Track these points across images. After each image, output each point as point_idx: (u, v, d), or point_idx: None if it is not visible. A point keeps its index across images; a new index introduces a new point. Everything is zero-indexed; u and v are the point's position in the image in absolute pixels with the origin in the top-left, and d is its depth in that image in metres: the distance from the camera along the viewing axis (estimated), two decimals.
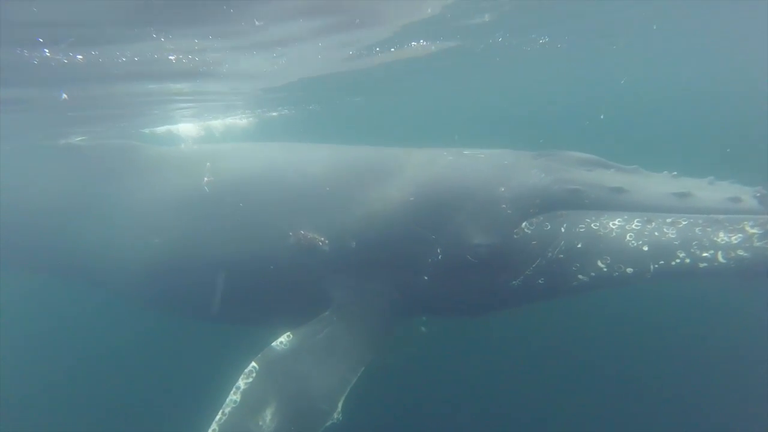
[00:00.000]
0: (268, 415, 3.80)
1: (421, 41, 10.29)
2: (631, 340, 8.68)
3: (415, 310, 5.07)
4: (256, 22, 5.95)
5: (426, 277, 4.68)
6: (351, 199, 4.97)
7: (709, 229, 4.11)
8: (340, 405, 3.96)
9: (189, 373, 7.57)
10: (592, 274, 4.32)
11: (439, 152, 5.43)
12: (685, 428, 7.32)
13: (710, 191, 4.42)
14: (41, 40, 5.08)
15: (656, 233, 4.19)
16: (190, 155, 6.31)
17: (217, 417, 3.71)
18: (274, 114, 19.17)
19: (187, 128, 17.17)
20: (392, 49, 10.26)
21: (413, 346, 5.48)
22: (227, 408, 3.77)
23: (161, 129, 16.26)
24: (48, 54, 5.47)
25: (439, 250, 4.61)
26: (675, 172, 4.71)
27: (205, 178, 5.54)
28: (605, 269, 4.27)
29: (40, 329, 9.75)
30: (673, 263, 4.09)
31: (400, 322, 5.02)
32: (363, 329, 4.56)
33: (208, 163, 5.80)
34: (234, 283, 5.20)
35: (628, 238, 4.24)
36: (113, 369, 8.73)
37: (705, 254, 4.01)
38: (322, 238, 4.78)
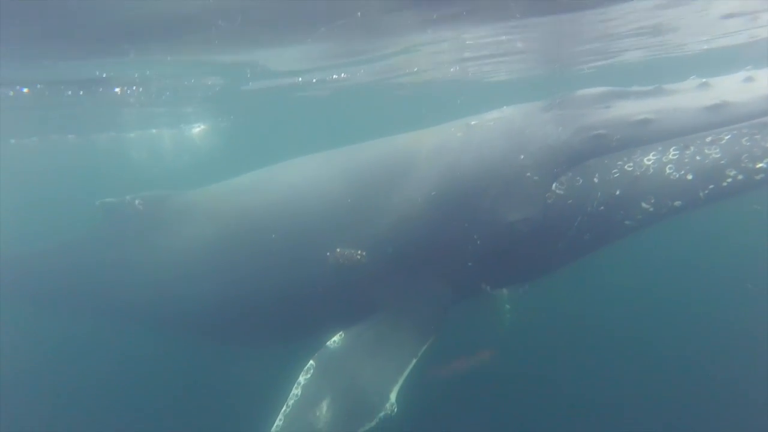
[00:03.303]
0: (324, 407, 4.13)
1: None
2: (631, 340, 8.78)
3: (466, 295, 5.06)
4: None
5: (470, 263, 4.63)
6: (375, 207, 4.92)
7: (758, 137, 3.75)
8: (393, 397, 4.10)
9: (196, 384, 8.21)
10: (639, 217, 4.10)
11: (446, 130, 5.21)
12: (685, 428, 7.28)
13: (748, 92, 3.97)
14: None
15: (698, 157, 3.87)
16: (215, 197, 6.41)
17: (283, 409, 4.14)
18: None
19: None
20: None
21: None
22: (290, 401, 4.18)
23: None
24: None
25: (476, 236, 4.51)
26: (703, 80, 4.26)
27: (234, 222, 5.73)
28: (651, 209, 4.03)
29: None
30: (725, 184, 3.79)
31: (450, 311, 5.01)
32: (411, 324, 4.63)
33: (233, 204, 5.97)
34: (287, 310, 5.39)
35: (667, 170, 3.95)
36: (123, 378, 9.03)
37: (760, 165, 3.68)
38: (360, 252, 4.84)
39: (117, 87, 9.37)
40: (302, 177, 5.81)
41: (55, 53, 6.54)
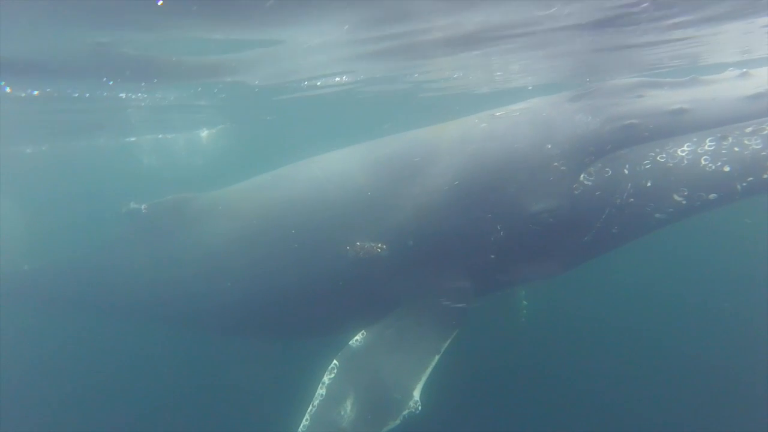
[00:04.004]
0: (348, 406, 4.11)
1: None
2: (630, 341, 8.85)
3: (488, 290, 4.92)
4: None
5: (492, 256, 4.49)
6: (395, 199, 4.81)
7: None
8: (416, 394, 4.03)
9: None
10: (670, 209, 3.95)
11: (469, 121, 5.09)
12: (685, 428, 7.29)
13: None
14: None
15: (736, 148, 3.72)
16: (238, 195, 6.41)
17: (309, 408, 4.15)
18: None
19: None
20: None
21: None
22: (316, 401, 4.19)
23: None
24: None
25: (499, 227, 4.37)
26: (744, 69, 4.10)
27: (254, 219, 5.70)
28: (684, 202, 3.88)
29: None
30: (766, 176, 3.64)
31: (472, 307, 4.91)
32: (433, 320, 4.54)
33: (254, 202, 5.97)
34: (310, 304, 5.31)
35: (703, 162, 3.80)
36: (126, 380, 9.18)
37: None
38: (380, 245, 4.71)
39: (122, 93, 9.45)
40: (323, 172, 5.73)
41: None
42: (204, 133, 20.91)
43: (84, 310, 8.16)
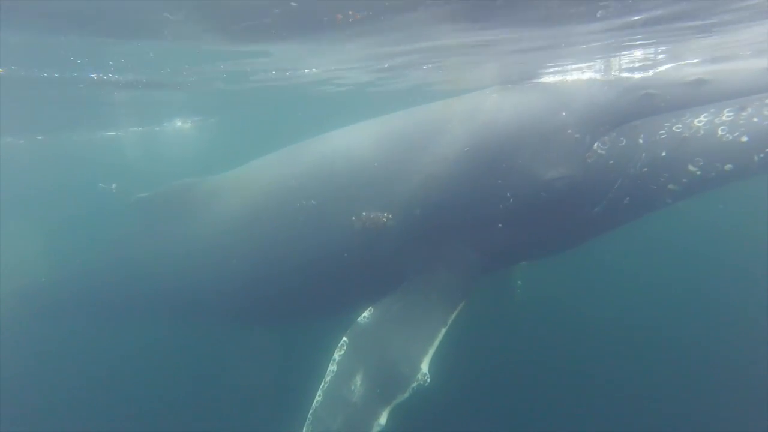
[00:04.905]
0: (358, 381, 4.15)
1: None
2: (630, 341, 8.82)
3: (496, 264, 4.81)
4: None
5: (500, 225, 4.38)
6: (403, 167, 4.72)
7: None
8: (424, 367, 4.01)
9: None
10: (684, 180, 3.90)
11: (482, 93, 5.03)
12: (685, 428, 7.33)
13: None
14: None
15: (755, 119, 3.68)
16: (242, 175, 6.33)
17: (321, 384, 4.21)
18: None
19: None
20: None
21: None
22: (327, 377, 4.24)
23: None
24: None
25: (508, 194, 4.29)
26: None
27: (257, 196, 5.65)
28: (699, 172, 3.83)
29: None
30: None
31: (479, 280, 4.82)
32: (439, 293, 4.49)
33: (258, 179, 5.91)
34: (314, 281, 5.23)
35: (720, 132, 3.76)
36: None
37: None
38: (386, 214, 4.56)
39: (93, 73, 8.97)
40: (329, 146, 5.68)
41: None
42: (187, 125, 20.39)
43: (114, 316, 7.68)
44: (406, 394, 3.93)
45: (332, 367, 4.27)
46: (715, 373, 8.23)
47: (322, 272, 5.11)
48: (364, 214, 4.61)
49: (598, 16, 4.92)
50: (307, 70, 9.54)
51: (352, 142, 5.46)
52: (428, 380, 3.97)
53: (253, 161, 6.43)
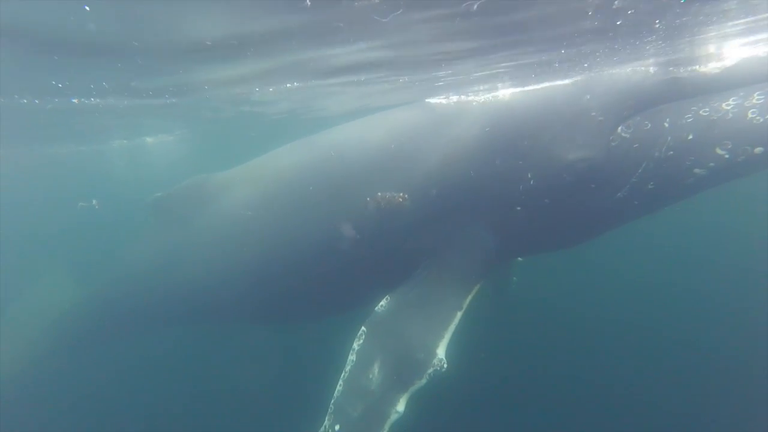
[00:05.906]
0: (376, 369, 4.13)
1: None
2: (628, 339, 8.86)
3: (511, 251, 4.70)
4: None
5: (519, 208, 4.28)
6: (419, 149, 4.63)
7: None
8: (440, 353, 3.96)
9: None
10: (711, 164, 3.83)
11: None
12: (685, 428, 7.31)
13: None
14: None
15: None
16: (252, 168, 6.22)
17: (342, 374, 4.20)
18: None
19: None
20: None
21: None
22: (348, 366, 4.22)
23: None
24: None
25: (529, 175, 4.20)
26: None
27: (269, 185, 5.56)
28: (727, 156, 3.76)
29: None
30: None
31: (494, 267, 4.71)
32: (454, 277, 4.41)
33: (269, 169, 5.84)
34: (334, 269, 5.08)
35: (750, 115, 3.69)
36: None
37: None
38: (401, 194, 4.44)
39: (74, 98, 8.53)
40: (342, 134, 5.59)
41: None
42: (170, 138, 19.96)
43: (152, 323, 7.32)
44: (424, 381, 3.88)
45: (352, 357, 4.24)
46: (714, 372, 8.22)
47: (339, 260, 4.96)
48: (379, 194, 4.52)
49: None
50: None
51: (366, 128, 5.38)
52: (445, 366, 3.90)
53: (263, 155, 6.31)
